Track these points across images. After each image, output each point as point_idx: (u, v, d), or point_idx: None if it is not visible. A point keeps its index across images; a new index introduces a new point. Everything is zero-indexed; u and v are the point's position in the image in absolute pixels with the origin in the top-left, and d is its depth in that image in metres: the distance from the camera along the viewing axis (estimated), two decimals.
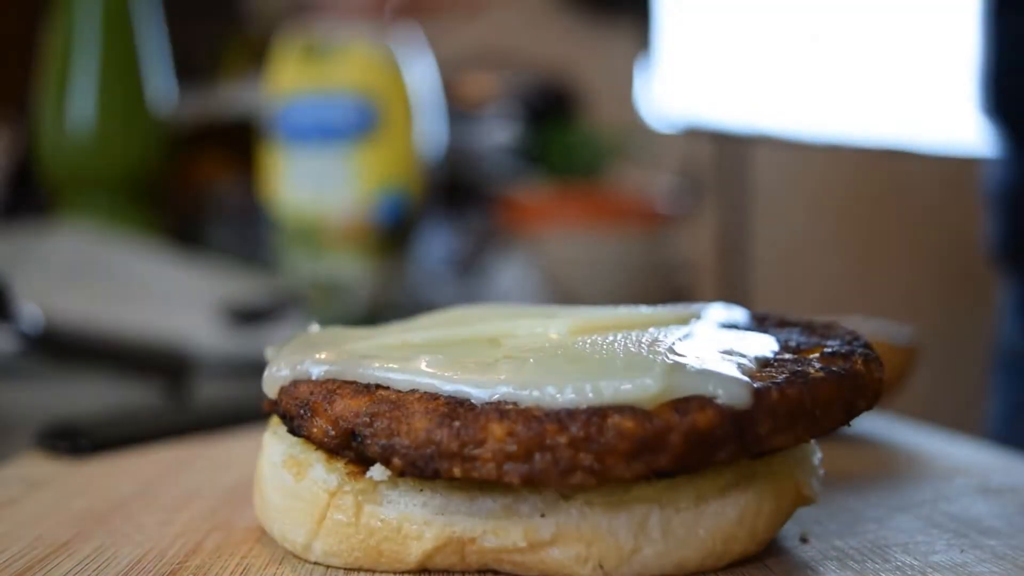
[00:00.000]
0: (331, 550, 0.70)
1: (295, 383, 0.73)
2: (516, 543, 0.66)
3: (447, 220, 2.77)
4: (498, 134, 3.22)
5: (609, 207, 2.90)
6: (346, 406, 0.68)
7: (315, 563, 0.71)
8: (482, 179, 3.03)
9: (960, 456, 1.09)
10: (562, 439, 0.61)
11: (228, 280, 1.98)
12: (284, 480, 0.74)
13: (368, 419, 0.66)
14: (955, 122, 5.09)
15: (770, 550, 0.73)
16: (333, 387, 0.70)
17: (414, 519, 0.67)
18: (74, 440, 1.05)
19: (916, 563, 0.70)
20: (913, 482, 0.96)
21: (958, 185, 5.08)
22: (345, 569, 0.70)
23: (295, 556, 0.72)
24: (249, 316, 1.79)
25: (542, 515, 0.66)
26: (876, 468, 1.02)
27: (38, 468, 0.99)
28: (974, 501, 0.87)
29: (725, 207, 5.09)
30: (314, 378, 0.73)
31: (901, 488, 0.93)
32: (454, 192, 2.88)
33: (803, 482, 0.74)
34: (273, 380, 0.75)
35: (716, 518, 0.68)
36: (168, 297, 1.88)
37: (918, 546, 0.74)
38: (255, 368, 0.80)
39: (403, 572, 0.68)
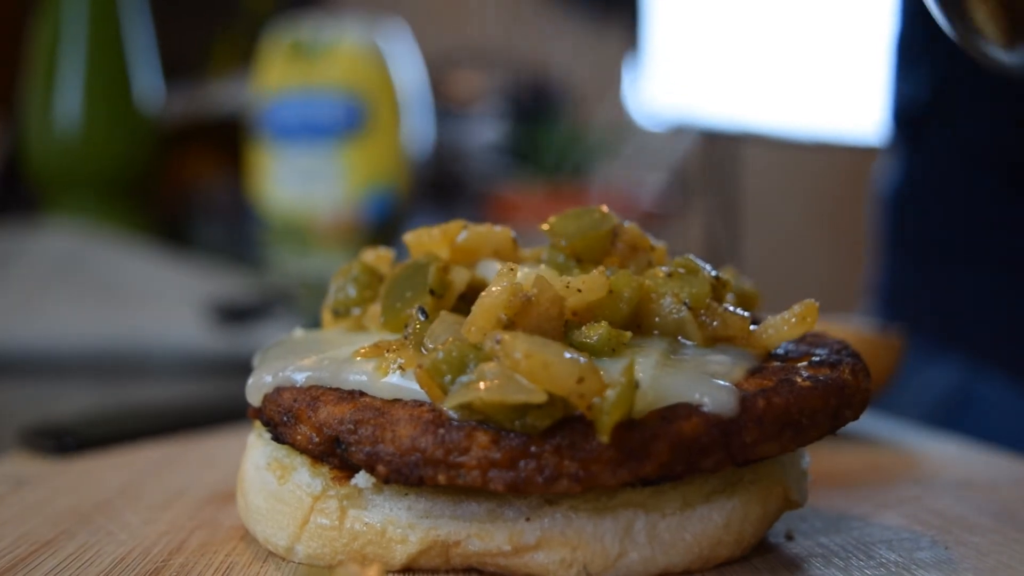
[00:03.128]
0: (314, 553, 0.70)
1: (279, 390, 0.73)
2: (501, 547, 0.66)
3: (436, 218, 2.77)
4: (486, 132, 3.22)
5: (598, 205, 2.90)
6: (330, 413, 0.67)
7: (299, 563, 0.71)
8: (471, 177, 3.03)
9: (945, 454, 1.09)
10: (547, 447, 0.61)
11: (215, 278, 1.97)
12: (267, 483, 0.73)
13: (352, 426, 0.66)
14: None
15: (756, 548, 0.73)
16: (317, 394, 0.70)
17: (399, 523, 0.67)
18: (59, 439, 1.04)
19: (901, 560, 0.70)
20: (898, 480, 0.96)
21: None
22: (329, 567, 0.69)
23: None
24: (236, 314, 1.79)
25: (527, 519, 0.66)
26: (861, 466, 1.02)
27: (23, 467, 0.99)
28: (958, 499, 0.87)
29: (714, 205, 5.09)
30: (298, 385, 0.72)
31: (886, 486, 0.93)
32: (443, 190, 2.88)
33: (791, 487, 0.74)
34: (256, 388, 0.75)
35: (702, 523, 0.68)
36: (155, 295, 1.87)
37: (902, 543, 0.74)
38: (242, 366, 0.80)
39: (388, 573, 0.68)
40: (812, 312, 0.72)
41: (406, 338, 0.71)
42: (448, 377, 0.63)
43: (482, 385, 0.61)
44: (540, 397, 0.60)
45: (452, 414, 0.63)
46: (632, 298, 0.70)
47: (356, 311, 0.81)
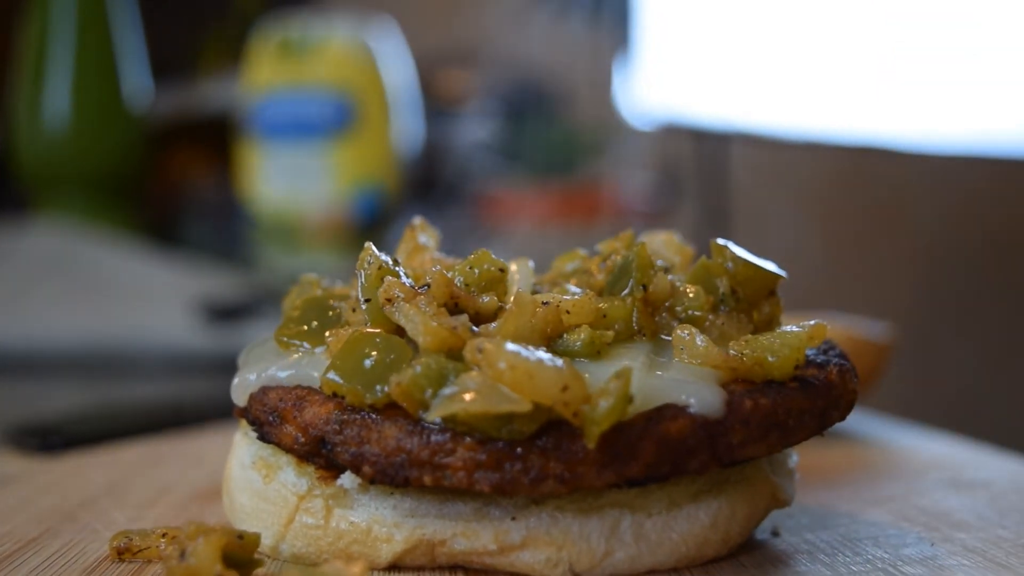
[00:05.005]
0: (299, 552, 0.70)
1: (264, 389, 0.72)
2: (486, 546, 0.66)
3: (426, 216, 2.76)
4: (477, 131, 3.21)
5: (587, 204, 2.91)
6: (315, 413, 0.67)
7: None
8: (461, 175, 3.02)
9: (933, 451, 1.09)
10: (533, 448, 0.61)
11: (205, 277, 1.97)
12: (253, 482, 0.73)
13: (338, 427, 0.66)
14: (934, 116, 5.11)
15: (743, 545, 0.73)
16: (302, 393, 0.69)
17: (384, 522, 0.67)
18: (45, 437, 1.04)
19: (887, 556, 0.70)
20: (886, 477, 0.96)
21: (935, 181, 5.10)
22: (315, 566, 0.69)
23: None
24: (225, 313, 1.78)
25: (513, 518, 0.66)
26: (849, 463, 1.02)
27: (8, 465, 0.99)
28: (945, 495, 0.87)
29: (703, 204, 5.09)
30: (282, 384, 0.72)
31: (873, 483, 0.93)
32: (433, 188, 2.88)
33: (778, 486, 0.74)
34: (241, 388, 0.74)
35: (689, 522, 0.68)
36: (144, 293, 1.87)
37: (889, 539, 0.74)
38: (230, 365, 0.80)
39: (373, 571, 0.68)
40: (821, 333, 0.71)
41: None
42: (429, 391, 0.62)
43: (466, 397, 0.61)
44: (525, 407, 0.60)
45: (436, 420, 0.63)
46: (622, 331, 0.70)
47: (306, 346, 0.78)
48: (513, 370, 0.60)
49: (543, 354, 0.62)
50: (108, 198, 2.22)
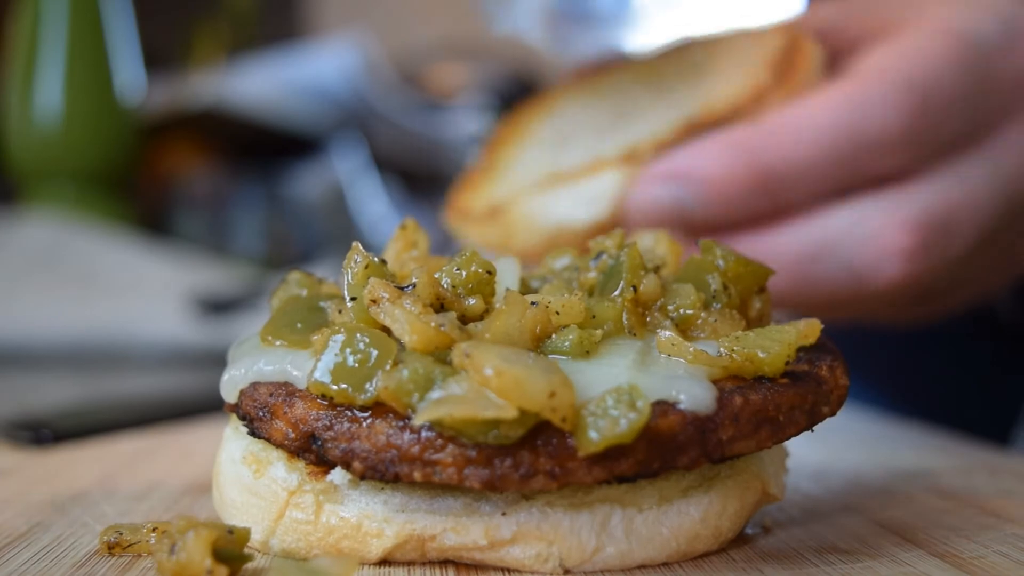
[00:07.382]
0: (289, 548, 0.70)
1: (254, 385, 0.72)
2: (476, 541, 0.66)
3: (418, 210, 2.76)
4: (469, 124, 3.21)
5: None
6: (306, 409, 0.67)
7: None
8: (452, 169, 3.02)
9: (922, 444, 1.10)
10: (523, 444, 0.61)
11: (197, 270, 1.96)
12: (243, 477, 0.73)
13: (328, 422, 0.65)
14: None
15: (733, 540, 0.73)
16: (293, 389, 0.69)
17: (374, 517, 0.67)
18: (36, 431, 1.04)
19: (876, 550, 0.70)
20: (875, 471, 0.96)
21: None
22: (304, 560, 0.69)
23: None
24: (218, 306, 1.78)
25: (503, 514, 0.66)
26: (840, 457, 1.02)
27: (0, 458, 0.99)
28: (931, 485, 0.87)
29: None
30: (272, 380, 0.71)
31: (863, 477, 0.93)
32: (425, 183, 2.88)
33: (769, 481, 0.74)
34: (231, 384, 0.74)
35: (679, 517, 0.68)
36: (136, 287, 1.87)
37: (879, 528, 0.75)
38: (222, 359, 0.80)
39: (364, 565, 0.68)
40: (814, 331, 0.71)
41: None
42: (416, 396, 0.62)
43: (452, 401, 0.60)
44: (511, 413, 0.59)
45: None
46: (612, 331, 0.70)
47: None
48: (499, 376, 0.59)
49: (530, 359, 0.61)
50: (100, 191, 2.22)
